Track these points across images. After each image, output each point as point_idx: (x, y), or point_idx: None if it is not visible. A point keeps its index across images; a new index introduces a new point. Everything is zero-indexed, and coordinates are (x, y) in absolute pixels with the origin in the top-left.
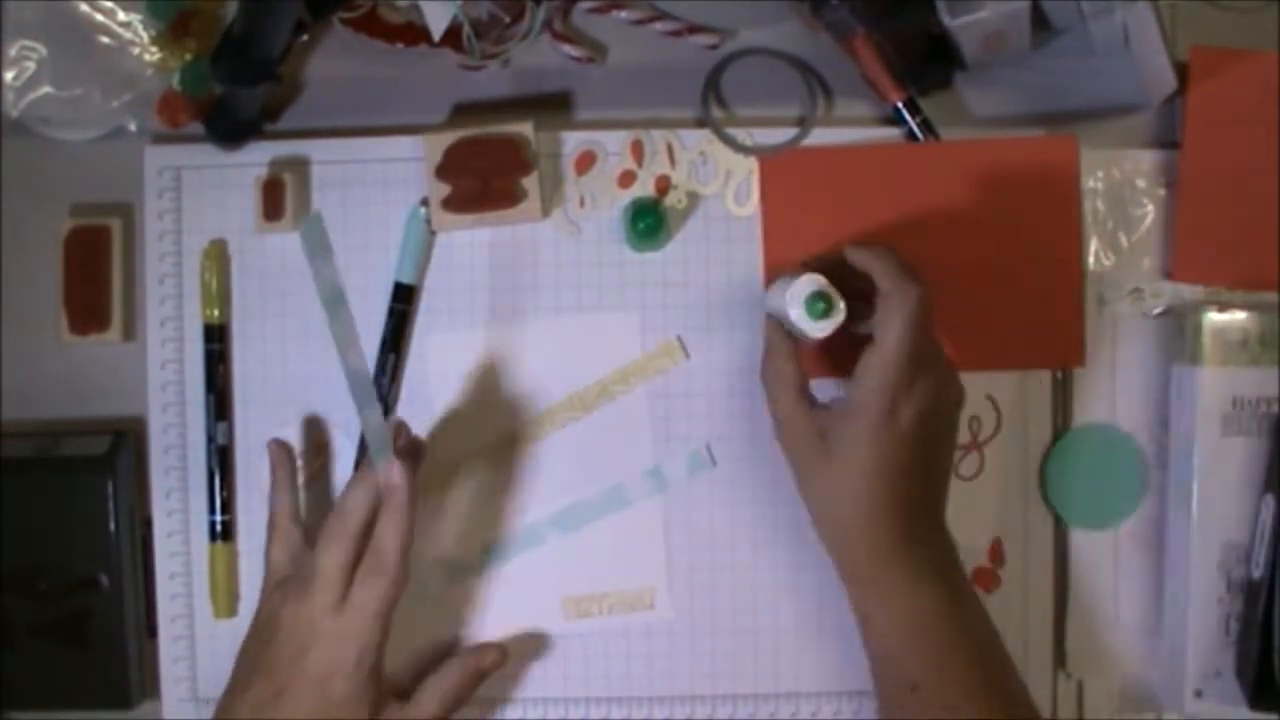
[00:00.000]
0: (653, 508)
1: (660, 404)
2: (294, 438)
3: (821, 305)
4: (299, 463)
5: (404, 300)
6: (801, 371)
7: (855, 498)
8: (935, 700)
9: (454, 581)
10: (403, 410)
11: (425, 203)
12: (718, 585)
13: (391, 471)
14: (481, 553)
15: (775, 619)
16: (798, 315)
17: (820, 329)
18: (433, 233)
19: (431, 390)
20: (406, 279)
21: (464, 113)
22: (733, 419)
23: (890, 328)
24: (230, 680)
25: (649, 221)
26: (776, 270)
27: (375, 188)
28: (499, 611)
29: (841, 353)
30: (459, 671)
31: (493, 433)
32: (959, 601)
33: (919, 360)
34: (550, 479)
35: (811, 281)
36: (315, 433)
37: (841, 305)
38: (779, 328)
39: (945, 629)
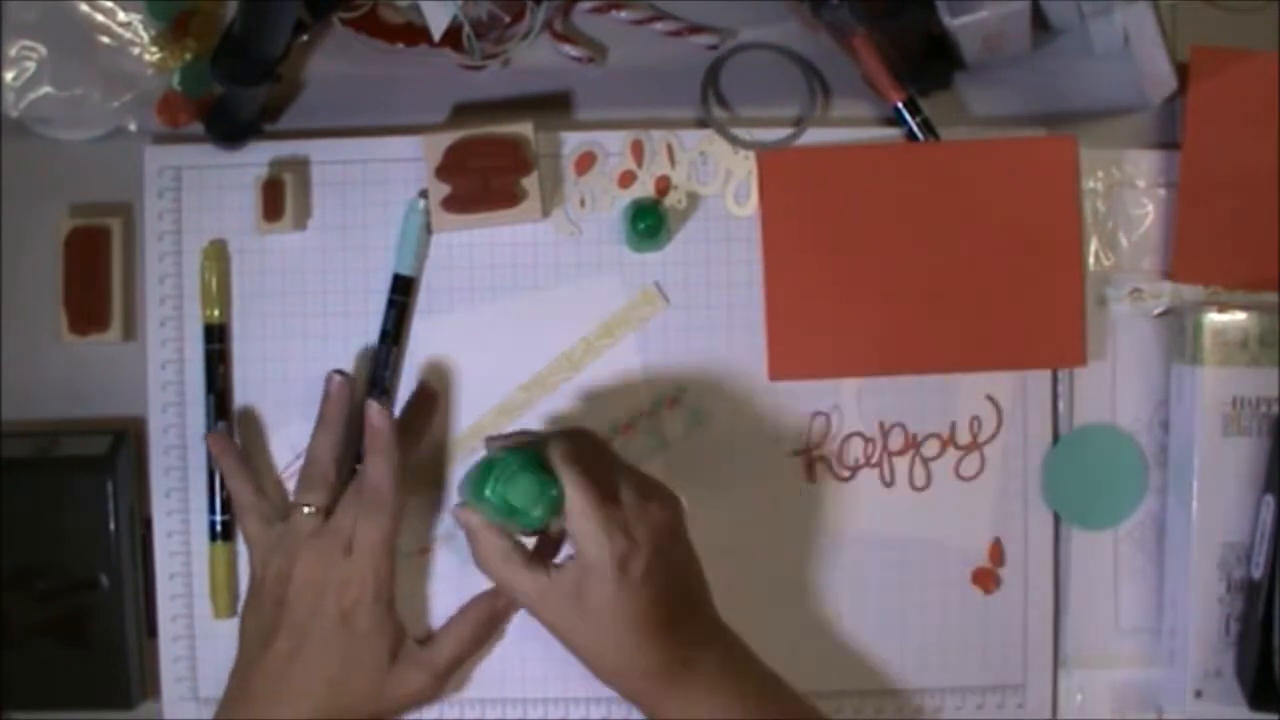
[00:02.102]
0: (656, 469)
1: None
2: (294, 437)
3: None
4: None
5: (403, 292)
6: (516, 542)
7: (620, 644)
8: None
9: (463, 559)
10: (398, 407)
11: (424, 194)
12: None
13: (371, 413)
14: None
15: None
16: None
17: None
18: (430, 232)
19: None
20: (405, 270)
21: (464, 113)
22: (716, 360)
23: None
24: (242, 651)
25: (649, 221)
26: (776, 269)
27: (375, 188)
28: None
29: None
30: (475, 615)
31: (486, 407)
32: (756, 694)
33: (620, 518)
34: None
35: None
36: None
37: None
38: (475, 517)
39: None
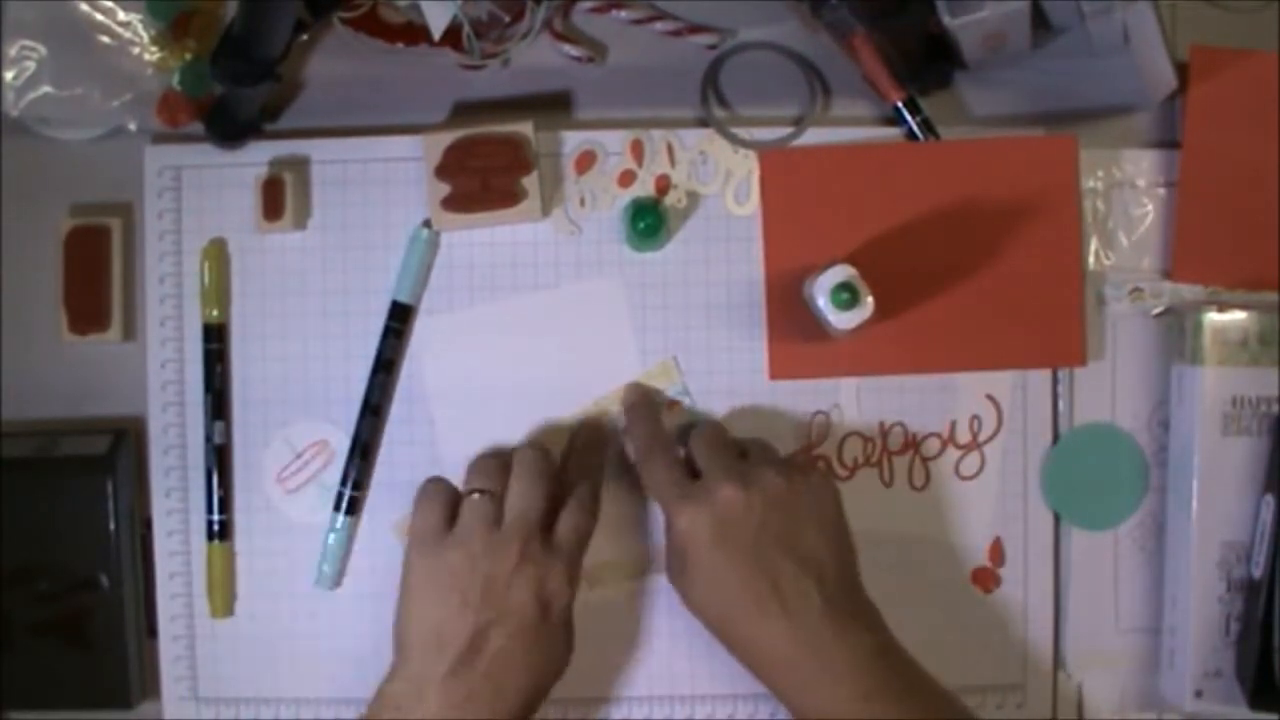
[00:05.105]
0: None
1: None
2: (293, 437)
3: (846, 295)
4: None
5: (400, 319)
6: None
7: (718, 603)
8: None
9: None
10: (397, 408)
11: (428, 224)
12: None
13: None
14: None
15: None
16: (824, 303)
17: (843, 320)
18: (434, 247)
19: (429, 391)
20: (404, 298)
21: (464, 113)
22: (716, 361)
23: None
24: (421, 657)
25: (649, 221)
26: (777, 267)
27: (375, 188)
28: None
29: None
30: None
31: (483, 406)
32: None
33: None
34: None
35: (841, 271)
36: (314, 432)
37: (869, 300)
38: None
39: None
